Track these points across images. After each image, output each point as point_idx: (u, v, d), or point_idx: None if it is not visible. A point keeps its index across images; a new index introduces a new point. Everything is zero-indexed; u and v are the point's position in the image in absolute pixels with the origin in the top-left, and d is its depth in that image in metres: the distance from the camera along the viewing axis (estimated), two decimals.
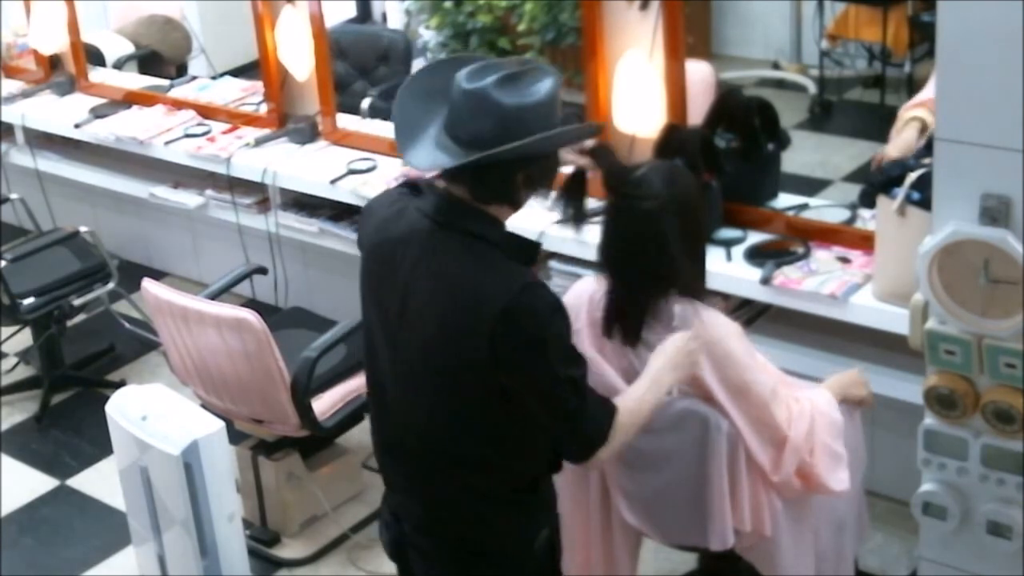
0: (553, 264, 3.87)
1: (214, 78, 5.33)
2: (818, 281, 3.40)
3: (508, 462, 2.51)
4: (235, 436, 3.69)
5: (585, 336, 2.76)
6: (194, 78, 5.36)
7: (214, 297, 3.81)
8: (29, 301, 4.47)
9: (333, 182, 4.29)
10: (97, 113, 5.09)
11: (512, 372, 2.38)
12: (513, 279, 2.38)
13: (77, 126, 5.05)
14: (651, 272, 2.70)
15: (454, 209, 2.43)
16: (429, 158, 2.39)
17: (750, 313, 3.58)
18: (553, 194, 2.61)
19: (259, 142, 4.60)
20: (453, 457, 2.49)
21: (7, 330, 4.87)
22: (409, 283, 2.43)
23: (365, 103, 5.12)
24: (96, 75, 5.42)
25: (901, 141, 3.46)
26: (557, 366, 2.39)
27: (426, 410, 2.47)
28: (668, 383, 2.62)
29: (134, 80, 5.47)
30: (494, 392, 2.40)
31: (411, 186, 2.57)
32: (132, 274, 4.61)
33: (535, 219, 3.86)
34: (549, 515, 2.63)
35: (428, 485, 2.53)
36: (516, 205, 2.48)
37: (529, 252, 2.47)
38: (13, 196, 5.09)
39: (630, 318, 2.73)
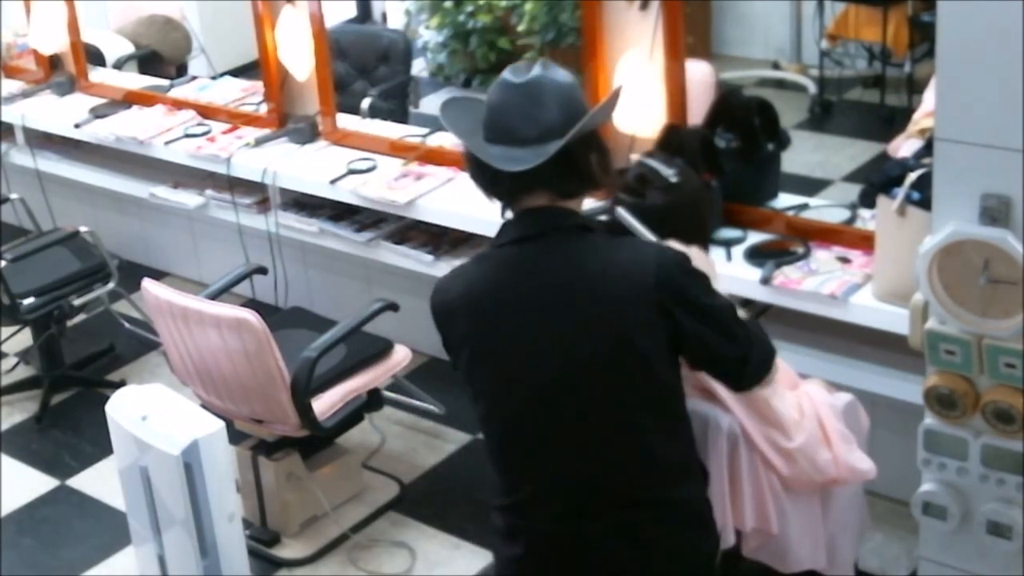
0: None
1: (214, 78, 5.33)
2: (818, 281, 3.40)
3: (687, 461, 2.51)
4: (235, 436, 3.69)
5: None
6: (194, 78, 5.36)
7: (214, 297, 3.81)
8: (29, 301, 4.47)
9: (333, 182, 4.29)
10: (97, 113, 5.09)
11: (687, 312, 2.37)
12: (643, 244, 2.45)
13: (77, 126, 5.05)
14: None
15: (547, 216, 2.40)
16: (526, 160, 2.34)
17: (750, 313, 3.59)
18: None
19: (259, 142, 4.60)
20: (643, 461, 2.43)
21: (7, 330, 4.87)
22: (543, 306, 2.38)
23: (365, 103, 5.12)
24: (96, 75, 5.42)
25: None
26: (719, 297, 2.45)
27: (607, 420, 2.39)
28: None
29: (134, 80, 5.47)
30: (669, 363, 2.41)
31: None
32: (132, 274, 4.61)
33: None
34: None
35: (622, 509, 2.44)
36: (598, 187, 2.47)
37: (619, 224, 2.52)
38: (13, 196, 5.09)
39: None
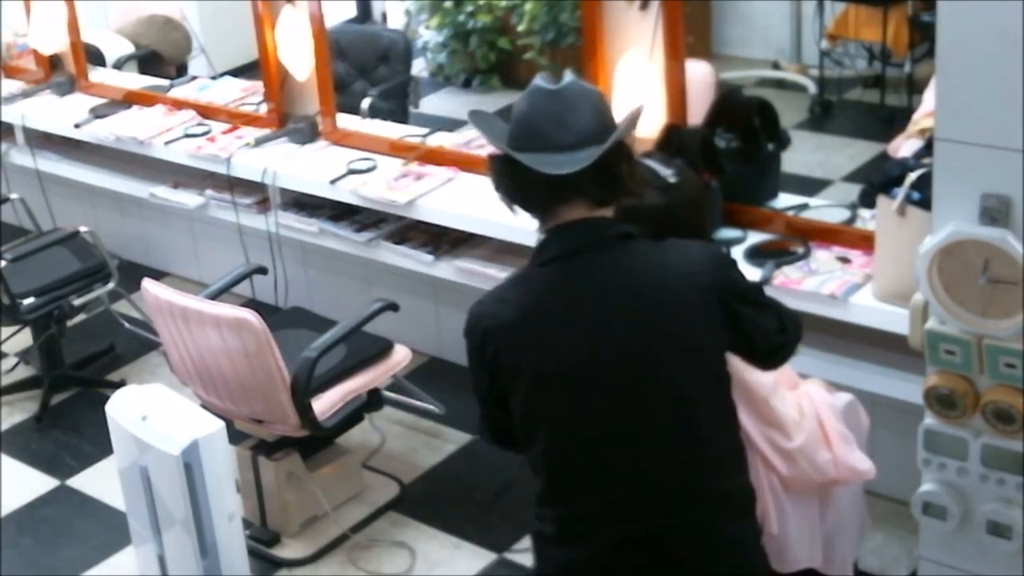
0: None
1: (214, 78, 5.33)
2: (818, 281, 3.40)
3: (740, 451, 2.53)
4: (235, 436, 3.69)
5: None
6: (194, 78, 5.36)
7: (214, 297, 3.81)
8: (29, 301, 4.47)
9: (333, 182, 4.29)
10: (97, 113, 5.09)
11: (739, 298, 2.44)
12: (687, 244, 2.46)
13: (77, 126, 5.05)
14: None
15: (589, 228, 2.40)
16: (567, 165, 2.32)
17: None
18: None
19: (259, 142, 4.60)
20: (706, 456, 2.44)
21: (7, 330, 4.87)
22: (604, 318, 2.36)
23: (365, 103, 5.12)
24: (96, 75, 5.42)
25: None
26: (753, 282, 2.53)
27: (674, 420, 2.39)
28: None
29: (134, 80, 5.47)
30: (724, 356, 2.45)
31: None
32: (132, 274, 4.61)
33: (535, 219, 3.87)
34: None
35: (687, 504, 2.44)
36: (629, 196, 2.46)
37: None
38: (13, 196, 5.09)
39: None
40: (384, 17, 7.14)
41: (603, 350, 2.37)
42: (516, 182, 2.41)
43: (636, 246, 2.43)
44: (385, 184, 4.22)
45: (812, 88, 6.19)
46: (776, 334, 2.54)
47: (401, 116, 5.30)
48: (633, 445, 2.40)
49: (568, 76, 2.41)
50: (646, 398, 2.39)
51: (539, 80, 2.40)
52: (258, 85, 4.87)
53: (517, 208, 2.47)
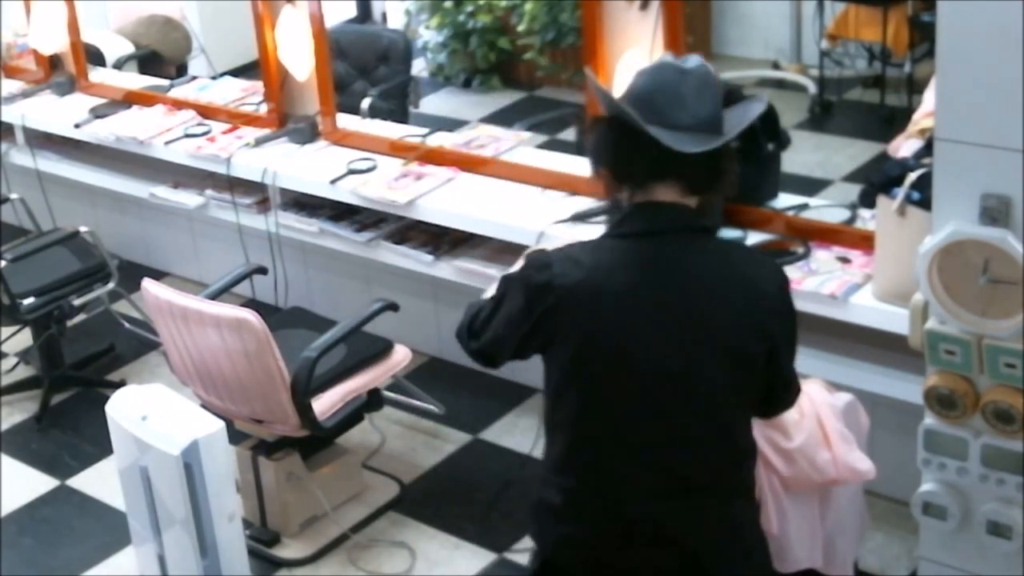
0: None
1: (214, 78, 5.33)
2: (818, 281, 3.40)
3: (753, 446, 2.56)
4: (235, 436, 3.69)
5: None
6: (194, 78, 5.36)
7: (214, 297, 3.81)
8: (29, 301, 4.47)
9: (333, 182, 4.29)
10: (97, 113, 5.09)
11: (786, 335, 2.49)
12: (761, 257, 2.51)
13: (77, 126, 5.05)
14: None
15: (677, 214, 2.41)
16: (690, 144, 2.33)
17: None
18: None
19: (259, 142, 4.60)
20: (729, 449, 2.47)
21: (7, 330, 4.87)
22: (670, 301, 2.38)
23: (365, 103, 5.13)
24: (96, 75, 5.42)
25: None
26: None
27: (710, 412, 2.42)
28: None
29: (134, 80, 5.46)
30: (762, 375, 2.46)
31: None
32: (132, 274, 4.61)
33: (535, 219, 3.87)
34: None
35: (701, 491, 2.46)
36: (724, 192, 2.49)
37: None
38: (13, 196, 5.08)
39: None
40: (384, 17, 7.15)
41: (658, 336, 2.38)
42: (623, 149, 2.41)
43: (716, 243, 2.48)
44: (385, 184, 4.22)
45: (812, 88, 6.20)
46: (784, 390, 2.58)
47: (401, 116, 5.30)
48: (656, 430, 2.42)
49: (696, 59, 2.42)
50: (690, 385, 2.40)
51: (667, 57, 2.41)
52: (258, 85, 4.87)
53: (603, 173, 2.46)
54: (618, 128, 2.41)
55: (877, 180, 3.25)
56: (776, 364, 2.49)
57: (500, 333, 2.53)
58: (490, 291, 2.61)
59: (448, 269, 4.13)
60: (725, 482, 2.49)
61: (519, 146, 4.32)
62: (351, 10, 6.80)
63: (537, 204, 3.98)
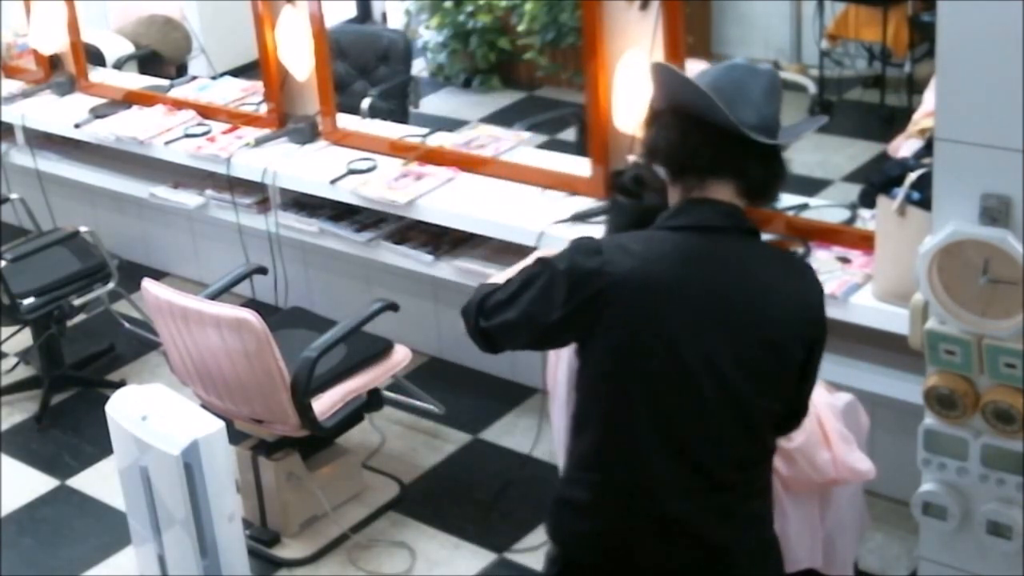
0: None
1: (214, 78, 5.33)
2: None
3: (775, 447, 2.55)
4: (235, 436, 3.69)
5: None
6: (194, 78, 5.36)
7: (214, 297, 3.81)
8: (29, 301, 4.47)
9: (333, 182, 4.29)
10: (97, 113, 5.09)
11: (818, 353, 2.47)
12: (806, 268, 2.50)
13: (77, 126, 5.05)
14: None
15: (731, 213, 2.41)
16: (763, 135, 2.35)
17: None
18: None
19: (259, 142, 4.60)
20: (759, 450, 2.47)
21: (7, 330, 4.87)
22: (719, 298, 2.37)
23: (365, 103, 5.12)
24: (96, 75, 5.42)
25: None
26: None
27: (747, 414, 2.41)
28: None
29: (134, 80, 5.46)
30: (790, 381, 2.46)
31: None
32: (132, 274, 4.61)
33: (535, 219, 3.87)
34: None
35: (729, 489, 2.45)
36: (772, 199, 2.51)
37: None
38: (13, 196, 5.08)
39: None
40: (384, 17, 7.15)
41: (708, 331, 2.37)
42: (687, 139, 2.39)
43: (763, 247, 2.48)
44: (385, 184, 4.22)
45: (812, 88, 6.19)
46: (802, 403, 2.57)
47: (401, 116, 5.30)
48: (691, 429, 2.40)
49: (767, 65, 2.44)
50: (721, 391, 2.38)
51: (742, 64, 2.43)
52: (258, 85, 4.87)
53: (660, 166, 2.45)
54: (684, 119, 2.40)
55: (877, 180, 3.26)
56: (806, 376, 2.49)
57: (520, 316, 2.44)
58: (504, 274, 2.56)
59: (448, 269, 4.13)
60: (749, 481, 2.48)
61: (519, 146, 4.32)
62: (351, 10, 6.81)
63: (537, 204, 3.98)
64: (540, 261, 2.47)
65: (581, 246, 2.43)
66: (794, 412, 2.57)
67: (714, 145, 2.36)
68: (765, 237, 3.60)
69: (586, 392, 2.47)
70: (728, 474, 2.43)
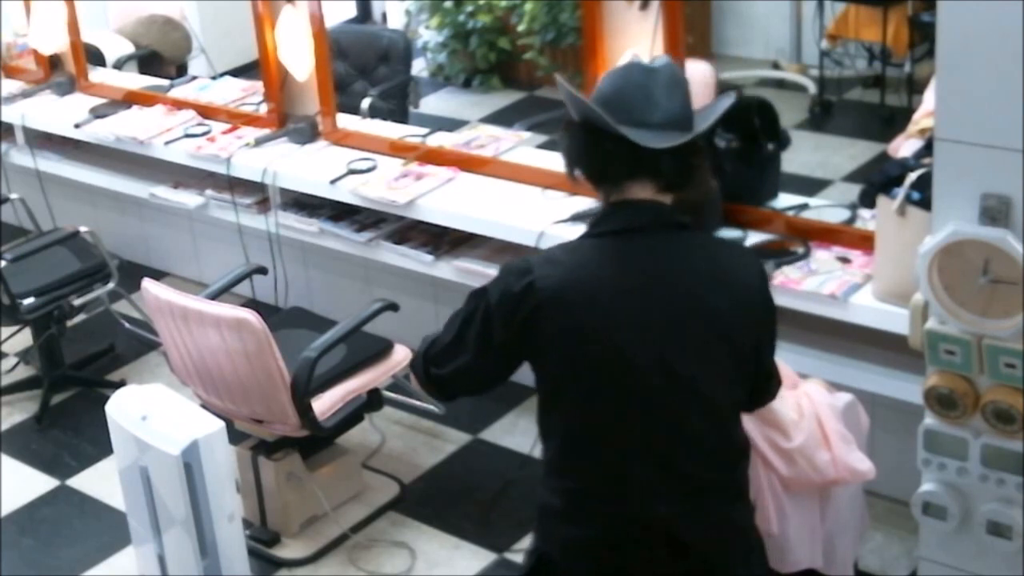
0: None
1: (214, 78, 5.33)
2: (818, 281, 3.40)
3: (746, 442, 2.56)
4: (235, 436, 3.69)
5: None
6: (194, 78, 5.36)
7: (214, 297, 3.81)
8: (29, 301, 4.47)
9: (333, 182, 4.29)
10: (97, 113, 5.09)
11: (768, 325, 2.50)
12: (739, 248, 2.56)
13: (77, 126, 5.05)
14: None
15: (652, 210, 2.41)
16: (656, 141, 2.35)
17: None
18: None
19: (259, 142, 4.60)
20: (723, 447, 2.47)
21: (7, 330, 4.87)
22: (655, 297, 2.38)
23: (365, 103, 5.12)
24: (96, 75, 5.42)
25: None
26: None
27: (705, 409, 2.42)
28: None
29: (134, 80, 5.47)
30: (748, 363, 2.47)
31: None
32: (132, 274, 4.61)
33: (535, 219, 3.87)
34: None
35: (699, 491, 2.45)
36: (698, 188, 2.48)
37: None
38: (13, 196, 5.08)
39: None
40: (384, 17, 7.15)
41: (653, 330, 2.38)
42: (595, 150, 2.42)
43: (692, 237, 2.47)
44: (385, 184, 4.22)
45: (812, 88, 6.20)
46: (767, 380, 2.59)
47: (401, 116, 5.30)
48: (655, 428, 2.41)
49: (664, 58, 2.45)
50: (678, 387, 2.39)
51: (637, 65, 2.43)
52: (258, 85, 4.87)
53: (580, 175, 2.48)
54: (590, 131, 2.42)
55: (877, 180, 3.25)
56: (761, 354, 2.50)
57: (469, 355, 2.48)
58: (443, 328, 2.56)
59: (448, 269, 4.13)
60: (724, 482, 2.48)
61: (519, 146, 4.32)
62: (351, 10, 6.81)
63: (537, 204, 3.98)
64: (473, 296, 2.50)
65: (511, 268, 2.45)
66: (765, 384, 2.58)
67: (622, 152, 2.38)
68: (765, 237, 3.63)
69: (544, 403, 2.49)
70: (703, 474, 2.44)
